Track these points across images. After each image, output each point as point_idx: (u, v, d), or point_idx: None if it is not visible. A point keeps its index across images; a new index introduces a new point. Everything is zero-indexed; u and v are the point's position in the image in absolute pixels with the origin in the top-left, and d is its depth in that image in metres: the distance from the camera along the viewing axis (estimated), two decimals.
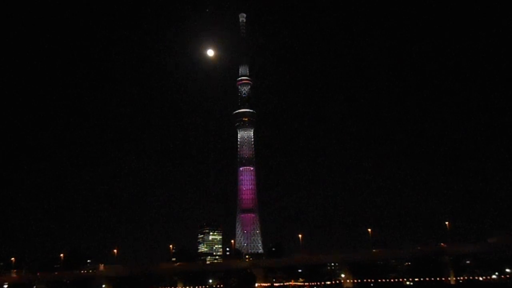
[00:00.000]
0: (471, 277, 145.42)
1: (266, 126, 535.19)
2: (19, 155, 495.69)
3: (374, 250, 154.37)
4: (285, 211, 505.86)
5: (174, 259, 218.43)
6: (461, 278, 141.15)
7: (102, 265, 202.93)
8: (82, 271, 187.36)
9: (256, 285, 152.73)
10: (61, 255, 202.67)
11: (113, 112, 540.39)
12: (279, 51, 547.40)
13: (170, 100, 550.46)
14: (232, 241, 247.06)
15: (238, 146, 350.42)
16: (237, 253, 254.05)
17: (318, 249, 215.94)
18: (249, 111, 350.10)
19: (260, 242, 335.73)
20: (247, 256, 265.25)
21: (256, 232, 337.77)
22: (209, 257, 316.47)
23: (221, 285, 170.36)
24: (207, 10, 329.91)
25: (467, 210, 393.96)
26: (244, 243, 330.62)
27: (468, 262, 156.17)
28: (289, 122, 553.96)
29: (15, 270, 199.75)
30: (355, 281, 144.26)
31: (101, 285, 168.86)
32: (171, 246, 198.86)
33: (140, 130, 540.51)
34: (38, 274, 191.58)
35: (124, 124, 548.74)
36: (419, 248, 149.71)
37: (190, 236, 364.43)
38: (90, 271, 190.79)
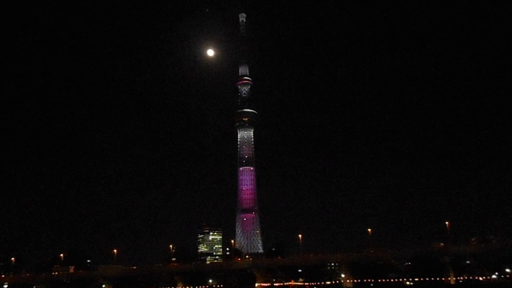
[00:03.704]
0: (471, 277, 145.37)
1: (266, 126, 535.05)
2: (19, 155, 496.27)
3: (374, 250, 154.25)
4: (285, 211, 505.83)
5: (174, 259, 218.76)
6: (461, 278, 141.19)
7: (73, 267, 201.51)
8: (53, 273, 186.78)
9: (256, 285, 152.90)
10: (61, 255, 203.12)
11: (113, 112, 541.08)
12: (279, 50, 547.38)
13: (170, 100, 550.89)
14: (232, 241, 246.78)
15: (238, 146, 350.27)
16: (237, 253, 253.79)
17: (318, 249, 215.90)
18: (249, 111, 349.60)
19: (260, 242, 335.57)
20: (247, 256, 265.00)
21: (256, 232, 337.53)
22: (209, 257, 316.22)
23: (221, 285, 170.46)
24: (207, 10, 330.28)
25: (467, 210, 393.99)
26: (244, 243, 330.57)
27: (468, 262, 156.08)
28: (289, 122, 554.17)
29: None
30: (355, 281, 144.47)
31: (101, 285, 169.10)
32: (171, 246, 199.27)
33: (140, 130, 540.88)
34: (29, 275, 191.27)
35: (124, 123, 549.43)
36: (419, 248, 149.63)
37: (190, 236, 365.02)
38: (56, 272, 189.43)
